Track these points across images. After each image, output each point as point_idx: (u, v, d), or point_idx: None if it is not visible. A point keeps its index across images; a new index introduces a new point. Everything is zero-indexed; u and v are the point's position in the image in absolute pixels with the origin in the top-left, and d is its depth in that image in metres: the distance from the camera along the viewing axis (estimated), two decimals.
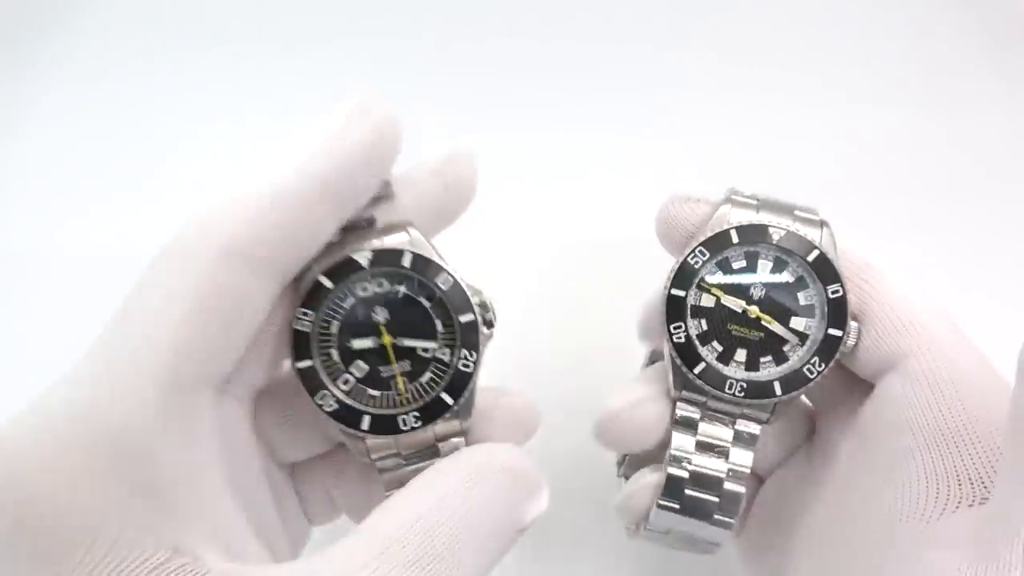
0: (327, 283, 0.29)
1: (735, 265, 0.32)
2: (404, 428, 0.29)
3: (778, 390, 0.31)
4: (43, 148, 0.51)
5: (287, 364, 0.30)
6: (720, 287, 0.32)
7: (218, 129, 0.50)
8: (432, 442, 0.30)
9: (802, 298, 0.32)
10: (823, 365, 0.31)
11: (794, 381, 0.31)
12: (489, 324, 0.30)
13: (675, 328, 0.31)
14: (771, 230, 0.31)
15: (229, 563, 0.24)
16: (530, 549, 0.42)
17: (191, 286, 0.25)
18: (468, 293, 0.30)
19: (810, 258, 0.31)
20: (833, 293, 0.31)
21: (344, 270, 0.29)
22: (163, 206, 0.29)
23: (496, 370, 0.42)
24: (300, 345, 0.29)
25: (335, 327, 0.30)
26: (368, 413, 0.29)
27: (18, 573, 0.22)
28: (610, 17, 0.51)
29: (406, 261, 0.29)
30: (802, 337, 0.32)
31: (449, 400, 0.30)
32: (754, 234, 0.31)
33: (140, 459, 0.23)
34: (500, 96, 0.50)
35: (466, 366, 0.30)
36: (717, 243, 0.31)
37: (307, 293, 0.29)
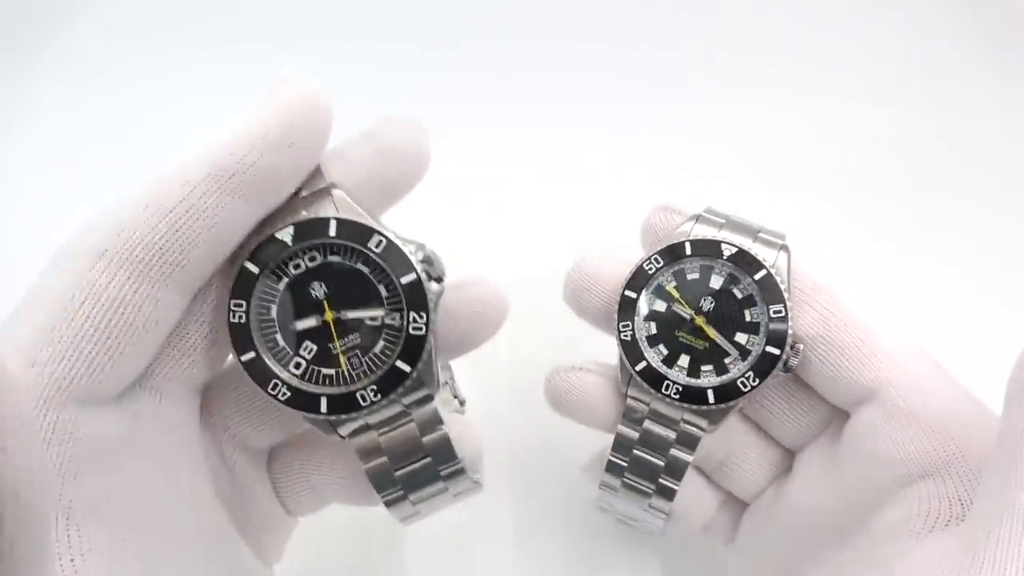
0: (253, 268, 0.27)
1: (689, 276, 0.34)
2: (364, 404, 0.28)
3: (711, 398, 0.33)
4: (43, 148, 0.50)
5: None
6: (673, 294, 0.34)
7: (218, 128, 0.51)
8: (400, 410, 0.29)
9: (748, 315, 0.33)
10: (757, 380, 0.32)
11: (728, 392, 0.33)
12: (438, 279, 0.28)
13: (623, 326, 0.34)
14: (723, 247, 0.33)
15: None
16: (524, 540, 0.43)
17: (61, 294, 0.24)
18: (406, 251, 0.28)
19: (756, 277, 0.33)
20: (775, 313, 0.32)
21: (268, 251, 0.27)
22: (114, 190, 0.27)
23: (504, 361, 0.45)
24: (240, 338, 0.28)
25: (274, 311, 0.28)
26: (324, 395, 0.28)
27: None
28: (611, 17, 0.52)
29: (331, 230, 0.27)
30: (743, 352, 0.33)
31: (406, 367, 0.28)
32: (707, 248, 0.33)
33: None
34: (499, 95, 0.51)
35: (417, 329, 0.28)
36: (672, 253, 0.34)
37: (235, 282, 0.27)
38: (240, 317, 0.28)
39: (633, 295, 0.34)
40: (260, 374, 0.28)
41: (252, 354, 0.28)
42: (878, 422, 0.31)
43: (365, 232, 0.28)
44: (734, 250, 0.33)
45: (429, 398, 0.29)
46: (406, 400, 0.29)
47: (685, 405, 0.33)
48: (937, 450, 0.30)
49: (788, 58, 0.51)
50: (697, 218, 0.34)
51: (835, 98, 0.50)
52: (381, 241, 0.28)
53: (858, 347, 0.31)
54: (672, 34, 0.52)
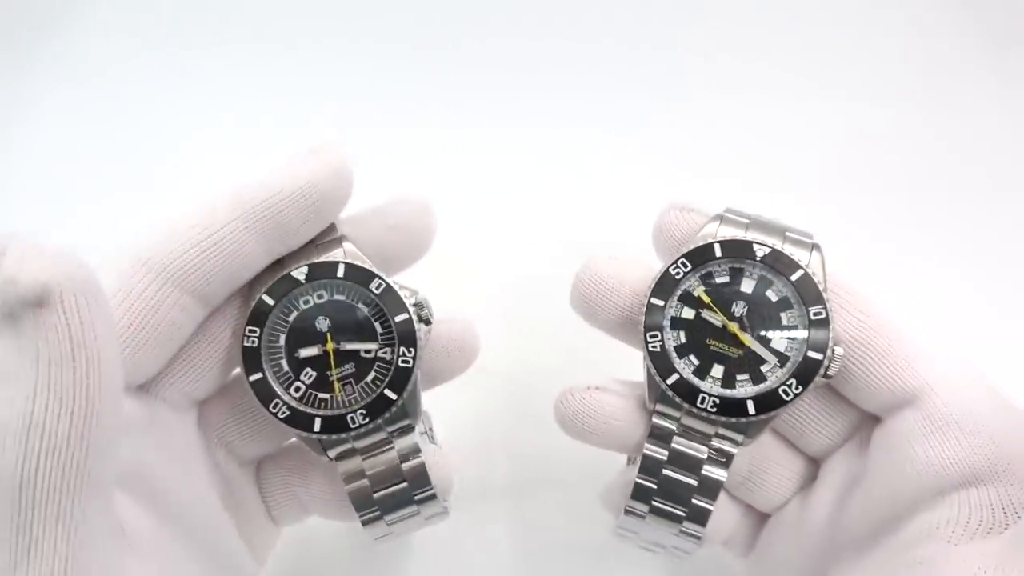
0: (269, 300, 0.32)
1: (718, 280, 0.32)
2: (353, 426, 0.31)
3: (751, 409, 0.31)
4: (43, 148, 0.51)
5: (236, 371, 0.32)
6: (703, 299, 0.32)
7: (218, 128, 0.51)
8: (384, 437, 0.33)
9: (784, 318, 0.31)
10: (800, 388, 0.30)
11: (768, 402, 0.31)
12: (427, 321, 0.32)
13: (651, 337, 0.31)
14: (755, 247, 0.31)
15: None
16: (529, 547, 0.43)
17: (108, 290, 0.27)
18: (402, 295, 0.32)
19: (793, 277, 0.31)
20: (815, 315, 0.30)
21: (283, 287, 0.32)
22: (164, 205, 0.30)
23: (501, 365, 0.43)
24: (249, 360, 0.31)
25: (282, 339, 0.32)
26: (319, 416, 0.32)
27: None
28: (612, 17, 0.52)
29: (340, 272, 0.32)
30: (781, 358, 0.31)
31: (392, 395, 0.31)
32: (738, 250, 0.31)
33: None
34: (499, 95, 0.51)
35: (405, 362, 0.32)
36: (700, 256, 0.31)
37: (252, 312, 0.32)
38: (253, 342, 0.32)
39: (660, 302, 0.31)
40: (264, 394, 0.32)
41: (260, 375, 0.32)
42: (918, 427, 0.30)
43: (367, 276, 0.32)
44: (768, 250, 0.31)
45: (410, 428, 0.33)
46: (390, 428, 0.32)
47: (722, 419, 0.31)
48: (980, 457, 0.29)
49: (788, 58, 0.51)
50: (721, 218, 0.32)
51: (835, 98, 0.50)
52: (381, 284, 0.32)
53: (898, 351, 0.30)
54: (673, 34, 0.51)
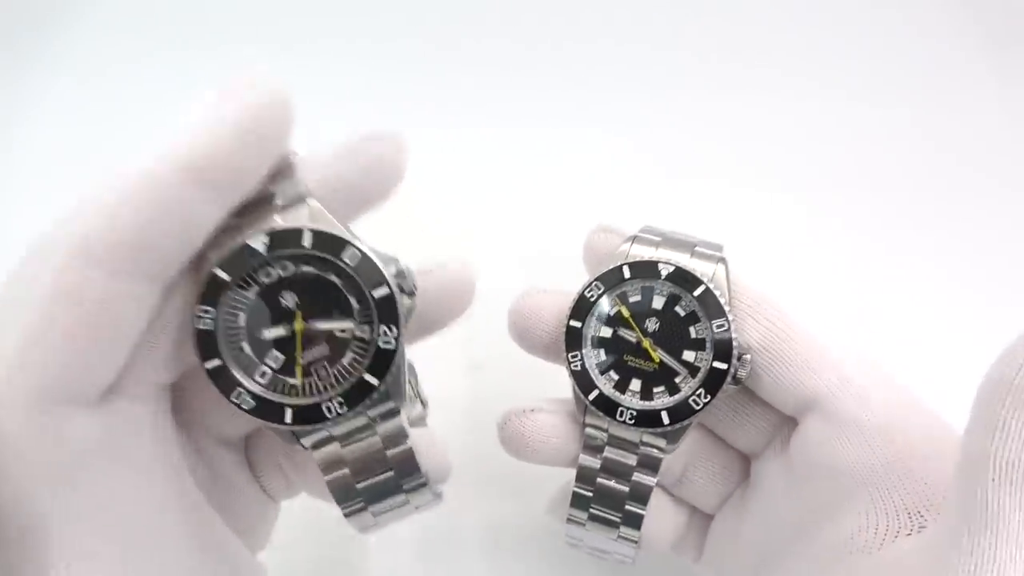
0: (223, 275, 0.27)
1: (631, 299, 0.34)
2: (329, 416, 0.28)
3: (666, 419, 0.33)
4: (43, 148, 0.50)
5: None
6: (623, 314, 0.34)
7: None
8: (365, 422, 0.29)
9: (693, 332, 0.33)
10: (708, 396, 0.32)
11: (681, 411, 0.32)
12: (410, 293, 0.29)
13: (572, 357, 0.34)
14: (660, 266, 0.33)
15: None
16: (507, 547, 0.44)
17: (41, 295, 0.24)
18: (380, 265, 0.28)
19: (695, 293, 0.32)
20: (718, 327, 0.32)
21: (240, 259, 0.27)
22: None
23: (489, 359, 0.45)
24: (205, 345, 0.27)
25: (242, 319, 0.28)
26: (289, 405, 0.28)
27: None
28: (610, 18, 0.52)
29: (306, 241, 0.27)
30: (692, 369, 0.33)
31: (373, 380, 0.28)
32: (644, 270, 0.33)
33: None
34: (498, 96, 0.51)
35: (387, 343, 0.28)
36: (611, 277, 0.33)
37: (204, 288, 0.27)
38: (207, 324, 0.27)
39: (578, 324, 0.34)
40: (224, 382, 0.28)
41: (217, 362, 0.28)
42: (821, 432, 0.31)
43: (339, 244, 0.28)
44: (672, 268, 0.33)
45: (395, 411, 0.29)
46: (372, 412, 0.29)
47: (641, 428, 0.33)
48: (880, 461, 0.30)
49: (787, 58, 0.51)
50: (634, 239, 0.34)
51: (834, 98, 0.50)
52: (355, 254, 0.28)
53: (801, 357, 0.31)
54: (673, 34, 0.52)
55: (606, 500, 0.34)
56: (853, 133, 0.50)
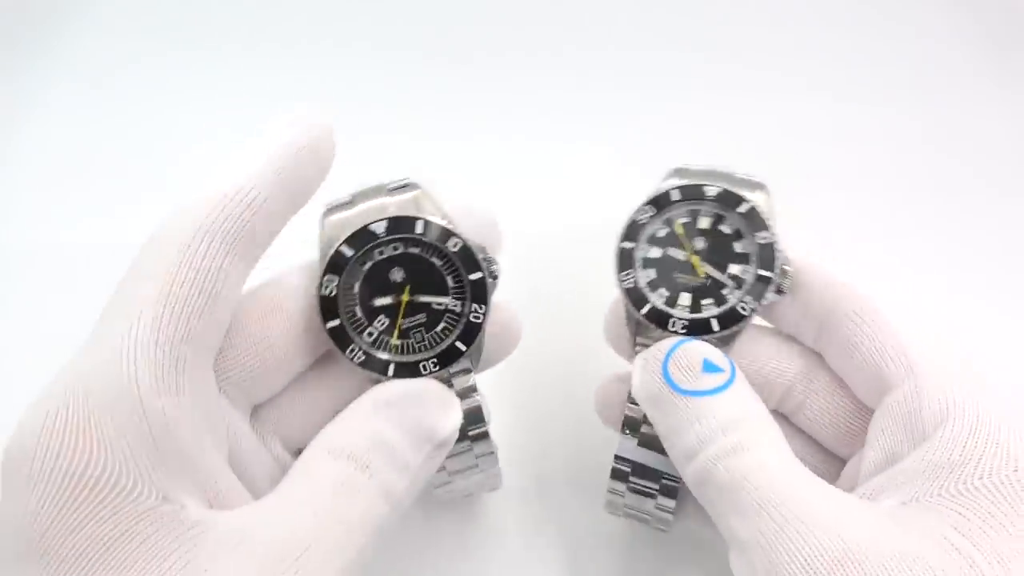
0: (347, 251, 0.33)
1: (680, 221, 0.37)
2: (424, 373, 0.34)
3: (715, 326, 0.35)
4: (43, 148, 0.51)
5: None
6: (676, 231, 0.36)
7: (220, 127, 0.50)
8: (446, 377, 0.34)
9: (738, 247, 0.36)
10: (755, 303, 0.35)
11: (729, 318, 0.35)
12: (495, 276, 0.34)
13: (625, 276, 0.36)
14: (706, 188, 0.36)
15: (207, 511, 0.27)
16: (524, 537, 0.43)
17: (173, 263, 0.28)
18: (477, 254, 0.34)
19: (740, 209, 0.35)
20: (762, 240, 0.35)
21: (362, 239, 0.33)
22: (165, 205, 0.30)
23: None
24: (327, 308, 0.33)
25: (358, 288, 0.34)
26: (393, 361, 0.34)
27: (28, 502, 0.25)
28: (609, 17, 0.53)
29: (419, 228, 0.34)
30: (738, 281, 0.35)
31: (462, 347, 0.34)
32: (691, 192, 0.36)
33: (138, 417, 0.26)
34: (497, 97, 0.52)
35: (476, 318, 0.34)
36: (660, 201, 0.36)
37: (330, 261, 0.33)
38: (331, 291, 0.33)
39: (630, 245, 0.36)
40: (341, 340, 0.33)
41: (337, 321, 0.33)
42: (973, 442, 0.30)
43: (445, 234, 0.34)
44: (718, 190, 0.36)
45: (468, 370, 0.35)
46: (453, 368, 0.34)
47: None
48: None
49: (786, 58, 0.52)
50: (677, 171, 0.37)
51: (831, 98, 0.51)
52: (458, 242, 0.34)
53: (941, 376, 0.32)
54: (673, 34, 0.53)
55: (644, 473, 0.36)
56: (853, 133, 0.52)
